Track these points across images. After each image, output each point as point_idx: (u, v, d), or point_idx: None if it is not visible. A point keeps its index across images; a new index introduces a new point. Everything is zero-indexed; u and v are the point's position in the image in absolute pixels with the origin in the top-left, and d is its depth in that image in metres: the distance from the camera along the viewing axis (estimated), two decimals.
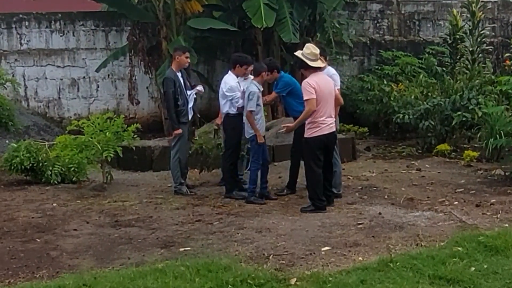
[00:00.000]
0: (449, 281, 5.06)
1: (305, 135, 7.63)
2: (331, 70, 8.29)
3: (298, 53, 7.69)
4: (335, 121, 7.80)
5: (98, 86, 14.53)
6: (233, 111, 8.43)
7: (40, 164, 9.35)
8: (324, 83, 7.61)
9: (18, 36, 14.17)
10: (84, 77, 14.46)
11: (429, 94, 12.33)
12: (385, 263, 5.41)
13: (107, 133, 9.06)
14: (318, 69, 7.64)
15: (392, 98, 12.67)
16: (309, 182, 7.74)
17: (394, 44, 15.45)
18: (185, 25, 12.89)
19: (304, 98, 7.54)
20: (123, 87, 14.42)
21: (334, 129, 7.72)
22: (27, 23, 14.20)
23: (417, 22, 15.74)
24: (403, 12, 15.67)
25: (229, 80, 8.50)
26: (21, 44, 14.20)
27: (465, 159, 10.43)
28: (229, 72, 8.64)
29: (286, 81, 8.60)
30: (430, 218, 7.14)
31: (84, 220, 7.44)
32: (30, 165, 9.26)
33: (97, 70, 13.92)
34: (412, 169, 10.12)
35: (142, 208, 7.94)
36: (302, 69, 7.71)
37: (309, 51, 7.58)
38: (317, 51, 7.65)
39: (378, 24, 15.56)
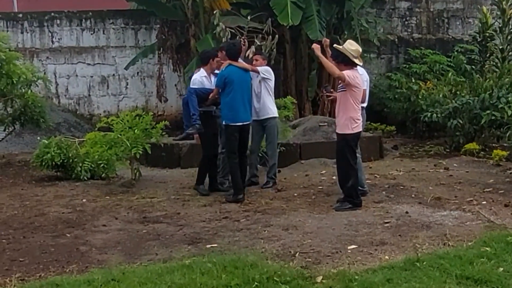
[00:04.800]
0: (477, 281, 5.00)
1: (345, 132, 7.51)
2: (360, 69, 8.25)
3: (340, 48, 7.60)
4: None
5: (127, 84, 14.71)
6: (202, 108, 8.45)
7: (70, 161, 9.49)
8: (360, 81, 7.63)
9: (50, 34, 14.42)
10: (113, 75, 14.66)
11: (458, 92, 12.21)
12: (412, 262, 5.38)
13: (136, 130, 9.14)
14: (356, 66, 7.63)
15: (420, 97, 12.59)
16: (347, 180, 7.60)
17: (423, 42, 15.34)
18: (213, 23, 12.95)
19: (345, 73, 7.42)
20: (151, 85, 14.58)
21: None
22: (58, 22, 14.44)
23: (446, 20, 15.61)
24: (432, 9, 15.55)
25: (195, 76, 8.66)
26: (52, 42, 14.46)
27: (494, 159, 10.31)
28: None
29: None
30: (458, 217, 7.08)
31: (113, 216, 7.53)
32: (61, 161, 9.40)
33: (126, 68, 14.09)
34: (440, 168, 10.04)
35: (170, 205, 8.01)
36: (342, 64, 7.55)
37: (354, 48, 7.54)
38: (360, 49, 7.65)
39: (406, 22, 15.47)
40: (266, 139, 9.08)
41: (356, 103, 7.51)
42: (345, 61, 7.52)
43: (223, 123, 8.28)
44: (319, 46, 7.86)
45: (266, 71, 8.85)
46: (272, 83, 8.92)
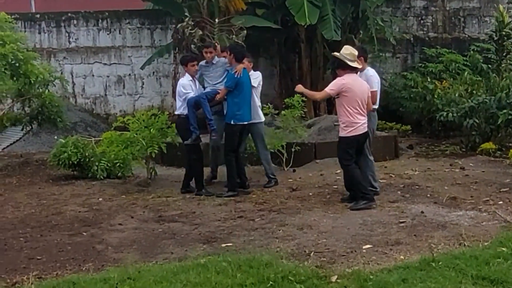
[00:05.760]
0: (493, 281, 4.97)
1: (340, 135, 7.76)
2: (370, 71, 8.25)
3: (337, 54, 7.79)
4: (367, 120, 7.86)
5: (143, 83, 14.80)
6: (184, 111, 8.60)
7: (87, 160, 9.57)
8: (358, 85, 7.72)
9: (67, 34, 14.55)
10: (129, 74, 14.75)
11: (474, 91, 12.14)
12: (427, 262, 5.36)
13: (152, 130, 9.19)
14: (355, 69, 7.72)
15: (435, 96, 12.53)
16: (352, 180, 7.77)
17: (438, 41, 15.26)
18: (228, 23, 12.98)
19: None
20: (167, 84, 14.64)
21: (366, 129, 7.79)
22: (75, 22, 14.56)
23: (462, 19, 15.51)
24: (447, 8, 15.46)
25: (183, 80, 8.77)
26: (69, 42, 14.58)
27: (510, 158, 10.23)
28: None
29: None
30: (474, 217, 7.04)
31: (129, 215, 7.59)
32: (77, 160, 9.49)
33: (142, 68, 14.16)
34: (456, 167, 9.99)
35: (185, 204, 8.05)
36: (340, 69, 7.76)
37: (348, 52, 7.69)
38: (356, 52, 7.75)
39: (422, 21, 15.40)
40: (255, 143, 9.25)
41: (350, 107, 7.61)
42: (342, 66, 7.71)
43: (231, 122, 8.54)
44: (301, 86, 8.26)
45: (259, 79, 9.10)
46: (260, 88, 9.16)
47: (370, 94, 7.87)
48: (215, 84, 8.88)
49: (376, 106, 8.30)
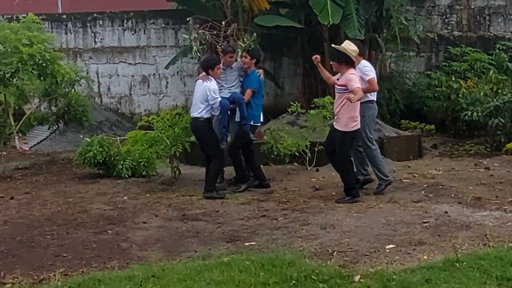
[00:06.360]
0: None
1: (345, 130, 7.85)
2: (363, 62, 8.42)
3: (343, 48, 7.86)
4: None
5: (167, 83, 14.89)
6: (207, 115, 8.52)
7: (112, 158, 9.67)
8: (359, 79, 7.98)
9: (93, 34, 14.70)
10: (154, 74, 14.85)
11: (499, 90, 12.03)
12: (451, 262, 5.33)
13: (176, 129, 9.24)
14: (354, 65, 8.00)
15: (460, 95, 12.44)
16: (347, 175, 8.05)
17: (463, 39, 15.11)
18: (252, 23, 13.00)
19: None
20: (191, 84, 14.64)
21: None
22: (101, 22, 14.70)
23: (487, 17, 15.33)
24: (472, 6, 15.30)
25: (212, 85, 8.52)
26: (95, 42, 14.73)
27: None
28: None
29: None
30: (499, 218, 6.99)
31: (153, 213, 7.65)
32: (103, 159, 9.60)
33: (166, 67, 14.24)
34: (480, 167, 9.91)
35: (209, 203, 8.08)
36: (344, 64, 7.87)
37: (353, 48, 7.91)
38: (358, 49, 8.03)
39: (446, 20, 15.26)
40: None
41: (355, 102, 7.76)
42: (348, 62, 7.84)
43: (251, 123, 8.74)
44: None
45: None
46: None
47: (369, 82, 8.13)
48: (230, 87, 8.92)
49: (374, 98, 8.43)
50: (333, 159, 8.22)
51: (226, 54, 9.00)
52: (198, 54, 11.56)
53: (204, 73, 8.63)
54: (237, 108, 8.75)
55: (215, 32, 11.71)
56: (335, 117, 8.01)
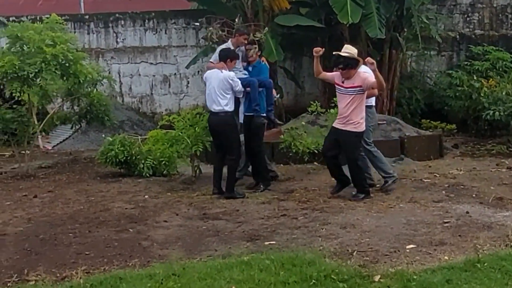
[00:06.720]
0: None
1: (358, 130, 7.97)
2: (363, 67, 8.32)
3: (353, 54, 7.94)
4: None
5: (188, 82, 14.96)
6: (232, 108, 8.41)
7: (133, 158, 9.74)
8: None
9: (114, 34, 14.82)
10: (175, 74, 14.94)
11: None
12: (472, 263, 5.31)
13: (197, 128, 9.27)
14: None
15: (482, 94, 12.35)
16: (360, 174, 8.16)
17: (485, 38, 15.00)
18: (272, 22, 13.03)
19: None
20: None
21: None
22: (122, 22, 14.82)
23: (510, 16, 15.20)
24: (495, 5, 15.17)
25: (228, 72, 8.42)
26: (117, 42, 14.85)
27: None
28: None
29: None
30: None
31: (174, 212, 7.69)
32: (124, 158, 9.67)
33: (187, 67, 14.32)
34: (502, 167, 9.83)
35: (229, 202, 8.11)
36: (351, 69, 7.91)
37: (355, 51, 8.03)
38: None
39: (468, 18, 15.15)
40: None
41: (364, 103, 8.06)
42: (354, 65, 7.93)
43: (264, 114, 8.74)
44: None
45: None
46: None
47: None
48: (239, 70, 8.95)
49: (373, 103, 8.65)
50: (335, 163, 8.23)
51: (242, 35, 9.02)
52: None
53: (220, 62, 8.53)
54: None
55: (225, 30, 11.78)
56: (345, 120, 7.99)
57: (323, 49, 8.25)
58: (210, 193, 8.58)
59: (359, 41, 13.35)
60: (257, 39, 10.40)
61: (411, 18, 13.03)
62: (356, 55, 7.96)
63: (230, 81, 8.31)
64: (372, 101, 8.64)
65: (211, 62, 8.99)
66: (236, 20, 11.98)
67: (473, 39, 15.03)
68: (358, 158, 8.17)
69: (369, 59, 7.96)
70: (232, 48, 8.86)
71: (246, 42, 9.00)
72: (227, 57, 8.48)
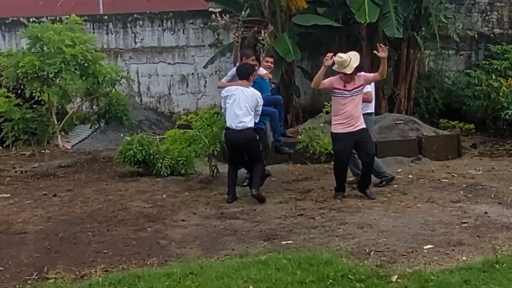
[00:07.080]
0: None
1: (364, 127, 8.13)
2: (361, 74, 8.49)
3: (356, 61, 7.96)
4: None
5: (206, 82, 15.01)
6: (252, 124, 8.21)
7: (151, 157, 9.80)
8: None
9: (133, 34, 14.91)
10: (193, 74, 14.99)
11: None
12: (491, 264, 5.28)
13: (214, 128, 9.30)
14: None
15: (501, 94, 12.27)
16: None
17: (504, 37, 14.87)
18: (290, 22, 13.04)
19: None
20: None
21: None
22: (141, 23, 14.91)
23: None
24: None
25: (257, 91, 8.26)
26: (135, 42, 14.94)
27: None
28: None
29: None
30: None
31: (191, 211, 7.73)
32: (142, 157, 9.73)
33: (205, 67, 14.36)
34: None
35: (246, 201, 8.13)
36: (355, 74, 8.00)
37: (357, 56, 8.10)
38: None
39: (487, 17, 15.03)
40: None
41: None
42: (357, 71, 8.03)
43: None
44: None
45: None
46: None
47: (365, 94, 8.38)
48: None
49: (372, 110, 8.89)
50: (347, 166, 8.30)
51: (249, 58, 8.74)
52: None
53: (242, 80, 8.31)
54: None
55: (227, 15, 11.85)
56: (355, 120, 7.98)
57: (332, 59, 8.05)
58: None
59: (376, 40, 13.30)
60: (261, 38, 10.43)
61: (429, 17, 12.96)
62: (358, 59, 8.01)
63: (259, 100, 8.20)
64: (372, 108, 8.86)
65: (223, 81, 8.96)
66: (243, 12, 12.00)
67: (491, 38, 14.92)
68: (373, 152, 8.39)
69: (382, 46, 8.01)
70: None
71: (253, 62, 8.68)
72: (248, 74, 8.29)
